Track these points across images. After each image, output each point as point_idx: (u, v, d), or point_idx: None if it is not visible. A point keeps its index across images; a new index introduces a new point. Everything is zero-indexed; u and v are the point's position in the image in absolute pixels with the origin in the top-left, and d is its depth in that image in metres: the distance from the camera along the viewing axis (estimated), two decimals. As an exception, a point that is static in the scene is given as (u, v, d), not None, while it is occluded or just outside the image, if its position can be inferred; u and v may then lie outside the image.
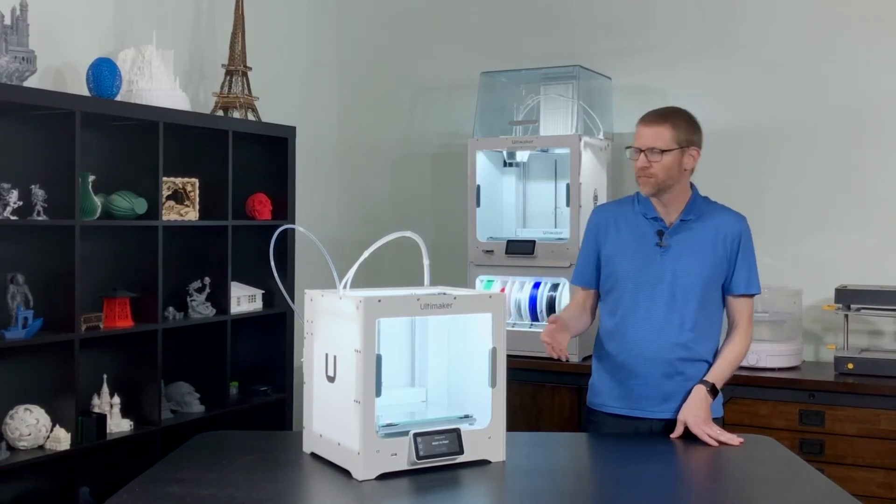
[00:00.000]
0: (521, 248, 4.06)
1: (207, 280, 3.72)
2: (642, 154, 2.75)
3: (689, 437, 2.68)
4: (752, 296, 2.83)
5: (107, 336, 3.34)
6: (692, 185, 2.85)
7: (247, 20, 4.06)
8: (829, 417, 3.53)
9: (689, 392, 2.74)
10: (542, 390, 3.93)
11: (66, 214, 3.15)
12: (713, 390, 2.74)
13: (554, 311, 3.96)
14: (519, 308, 4.07)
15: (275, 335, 4.05)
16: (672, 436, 2.70)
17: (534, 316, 4.05)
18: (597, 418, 2.88)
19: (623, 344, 2.80)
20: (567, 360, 3.06)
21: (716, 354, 2.82)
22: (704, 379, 2.76)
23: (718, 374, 2.78)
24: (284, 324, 4.03)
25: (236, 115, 3.99)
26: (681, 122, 2.78)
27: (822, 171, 4.07)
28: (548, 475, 2.46)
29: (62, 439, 3.11)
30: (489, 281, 4.16)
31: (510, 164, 4.37)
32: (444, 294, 2.39)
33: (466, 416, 2.45)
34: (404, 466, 2.28)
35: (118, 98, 3.45)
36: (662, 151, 2.73)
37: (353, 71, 5.03)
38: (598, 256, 2.88)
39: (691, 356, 2.77)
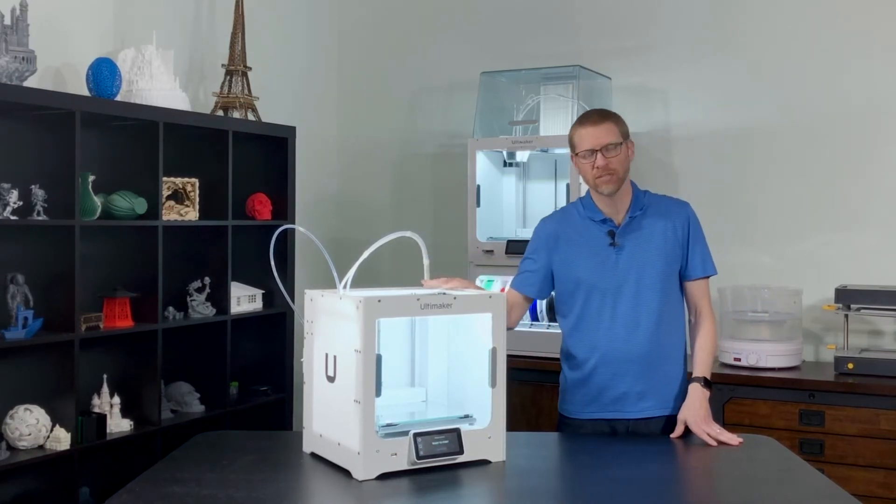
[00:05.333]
0: (521, 248, 4.00)
1: (207, 280, 3.72)
2: (598, 154, 2.73)
3: (688, 436, 2.69)
4: (708, 277, 2.86)
5: (107, 336, 3.33)
6: (631, 181, 2.87)
7: (247, 20, 4.06)
8: (829, 417, 3.53)
9: (665, 386, 2.78)
10: (542, 390, 3.92)
11: (66, 214, 3.15)
12: (707, 383, 2.76)
13: (553, 312, 3.96)
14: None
15: (275, 335, 4.04)
16: (672, 435, 2.71)
17: (534, 316, 4.05)
18: (573, 423, 2.86)
19: (592, 349, 2.80)
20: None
21: (684, 344, 2.85)
22: (696, 375, 2.77)
23: (705, 366, 2.80)
24: (284, 324, 4.03)
25: (236, 115, 3.99)
26: (617, 118, 2.81)
27: (822, 171, 4.07)
28: (548, 475, 2.46)
29: (62, 439, 3.11)
30: (489, 281, 4.16)
31: (510, 164, 4.37)
32: (444, 294, 2.39)
33: (466, 416, 2.45)
34: (404, 466, 2.28)
35: (118, 98, 3.45)
36: (618, 145, 2.74)
37: (352, 71, 5.03)
38: (547, 268, 2.86)
39: (661, 351, 2.78)
